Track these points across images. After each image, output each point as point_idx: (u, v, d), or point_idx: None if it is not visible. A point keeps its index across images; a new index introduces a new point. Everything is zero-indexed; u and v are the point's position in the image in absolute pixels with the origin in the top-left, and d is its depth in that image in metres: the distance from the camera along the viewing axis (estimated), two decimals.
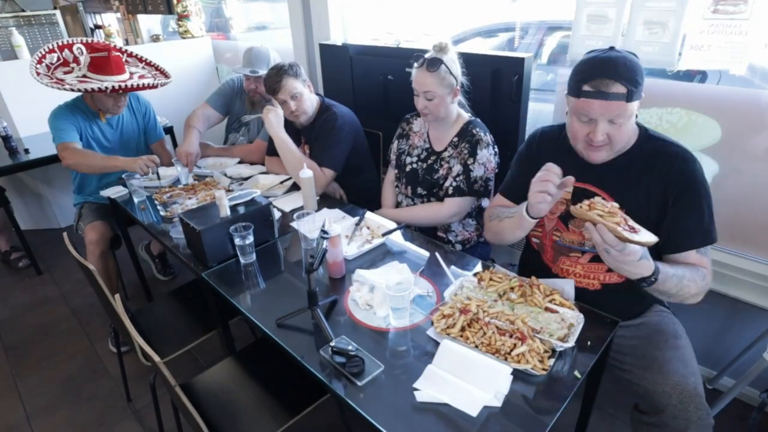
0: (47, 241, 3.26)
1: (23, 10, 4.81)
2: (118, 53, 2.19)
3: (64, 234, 1.61)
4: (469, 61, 1.68)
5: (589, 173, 1.24)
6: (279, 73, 1.92)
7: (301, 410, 1.34)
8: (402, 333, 1.18)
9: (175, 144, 3.30)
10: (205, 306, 1.78)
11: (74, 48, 2.16)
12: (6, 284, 2.87)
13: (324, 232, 1.24)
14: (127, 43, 4.41)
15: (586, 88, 1.11)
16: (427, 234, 1.74)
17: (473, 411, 0.94)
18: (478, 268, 1.40)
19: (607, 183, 1.23)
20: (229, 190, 1.95)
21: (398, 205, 1.95)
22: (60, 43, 2.15)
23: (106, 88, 2.03)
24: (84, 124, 2.19)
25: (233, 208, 1.56)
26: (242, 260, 1.50)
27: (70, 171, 2.32)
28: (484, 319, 1.12)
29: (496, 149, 1.70)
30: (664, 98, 1.65)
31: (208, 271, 1.47)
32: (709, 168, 1.64)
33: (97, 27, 5.08)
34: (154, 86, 2.21)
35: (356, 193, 2.14)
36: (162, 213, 1.84)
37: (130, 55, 2.37)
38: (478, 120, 1.73)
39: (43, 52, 2.12)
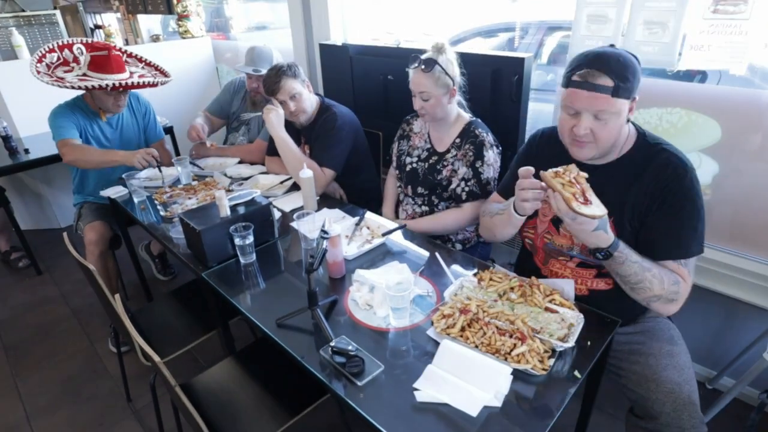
0: (47, 241, 3.26)
1: (23, 10, 4.81)
2: (118, 53, 2.20)
3: (64, 234, 1.61)
4: (469, 61, 1.68)
5: None
6: (278, 74, 1.93)
7: (301, 410, 1.34)
8: (402, 333, 1.18)
9: (175, 144, 3.30)
10: (205, 306, 1.78)
11: (74, 48, 2.16)
12: (6, 284, 2.87)
13: (324, 232, 1.24)
14: (127, 43, 4.41)
15: (574, 78, 1.11)
16: (427, 234, 1.74)
17: (473, 411, 0.94)
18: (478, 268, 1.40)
19: (600, 186, 1.23)
20: (229, 190, 1.95)
21: (398, 203, 1.96)
22: (60, 43, 2.15)
23: (107, 85, 2.03)
24: (84, 123, 2.19)
25: (233, 208, 1.56)
26: (242, 260, 1.50)
27: (69, 171, 2.33)
28: (484, 319, 1.12)
29: (500, 148, 1.71)
30: (664, 98, 1.65)
31: (208, 271, 1.47)
32: (709, 168, 1.64)
33: (97, 27, 5.08)
34: (154, 84, 2.21)
35: (356, 193, 2.14)
36: (162, 213, 1.84)
37: (129, 55, 2.37)
38: (479, 120, 1.73)
39: (43, 52, 2.12)
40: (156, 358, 1.08)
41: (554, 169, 1.10)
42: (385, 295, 1.21)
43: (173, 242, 1.65)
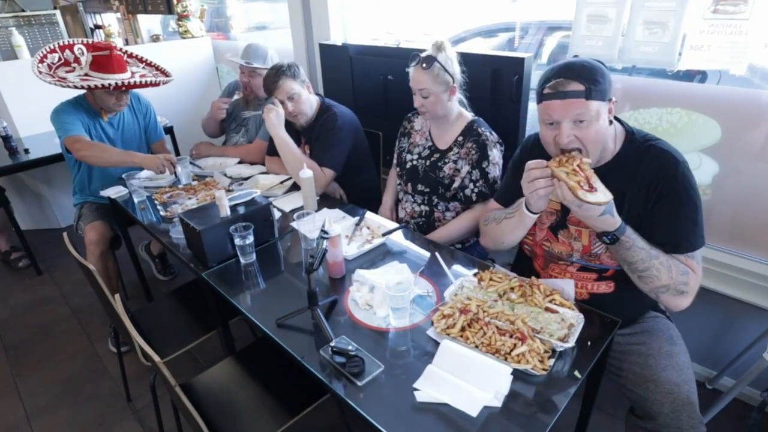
0: (47, 241, 3.26)
1: (23, 10, 4.82)
2: (119, 53, 2.20)
3: (64, 234, 1.61)
4: (469, 61, 1.69)
5: None
6: (277, 74, 1.93)
7: (301, 410, 1.34)
8: (402, 333, 1.18)
9: (175, 144, 3.30)
10: (205, 306, 1.78)
11: (75, 48, 2.16)
12: (6, 284, 2.87)
13: (324, 232, 1.24)
14: (127, 43, 4.41)
15: (546, 91, 1.13)
16: (427, 234, 1.74)
17: (473, 411, 0.94)
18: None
19: None
20: (229, 190, 1.95)
21: (398, 201, 1.96)
22: (61, 44, 2.16)
23: (110, 84, 2.03)
24: (87, 121, 2.19)
25: (233, 208, 1.56)
26: (242, 260, 1.50)
27: (70, 171, 2.32)
28: (484, 319, 1.12)
29: (503, 145, 1.71)
30: (664, 98, 1.65)
31: (208, 271, 1.47)
32: (709, 168, 1.64)
33: (97, 27, 5.08)
34: (155, 84, 2.22)
35: (356, 193, 2.14)
36: (162, 213, 1.84)
37: (130, 55, 2.37)
38: (481, 119, 1.73)
39: (45, 52, 2.12)
40: (156, 358, 1.08)
41: (558, 157, 1.12)
42: (385, 295, 1.21)
43: (173, 242, 1.65)
